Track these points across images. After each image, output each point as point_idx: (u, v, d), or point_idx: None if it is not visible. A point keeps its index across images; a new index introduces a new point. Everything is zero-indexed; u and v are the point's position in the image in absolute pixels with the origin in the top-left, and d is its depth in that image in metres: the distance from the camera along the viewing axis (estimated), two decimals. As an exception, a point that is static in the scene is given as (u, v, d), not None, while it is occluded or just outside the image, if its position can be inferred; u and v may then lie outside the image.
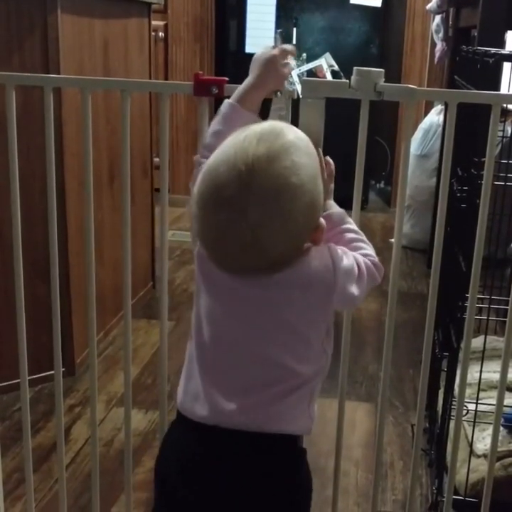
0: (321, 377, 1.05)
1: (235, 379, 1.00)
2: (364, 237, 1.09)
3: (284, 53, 1.12)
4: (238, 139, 0.90)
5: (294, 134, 0.93)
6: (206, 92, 1.18)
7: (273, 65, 1.10)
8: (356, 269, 1.01)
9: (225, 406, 0.99)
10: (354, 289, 1.00)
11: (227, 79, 1.18)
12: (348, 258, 1.00)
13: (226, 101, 1.10)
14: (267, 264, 0.92)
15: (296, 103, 1.16)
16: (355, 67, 1.14)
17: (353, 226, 1.10)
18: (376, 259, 1.07)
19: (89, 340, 1.32)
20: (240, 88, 1.11)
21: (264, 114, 1.08)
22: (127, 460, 1.38)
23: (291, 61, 1.13)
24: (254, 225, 0.87)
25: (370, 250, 1.07)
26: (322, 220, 0.95)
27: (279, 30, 1.27)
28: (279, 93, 1.15)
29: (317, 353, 1.02)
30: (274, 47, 1.13)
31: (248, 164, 0.86)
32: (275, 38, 1.16)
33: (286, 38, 4.24)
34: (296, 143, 0.91)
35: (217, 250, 0.92)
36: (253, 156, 0.87)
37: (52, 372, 1.40)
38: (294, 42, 4.27)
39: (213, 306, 1.00)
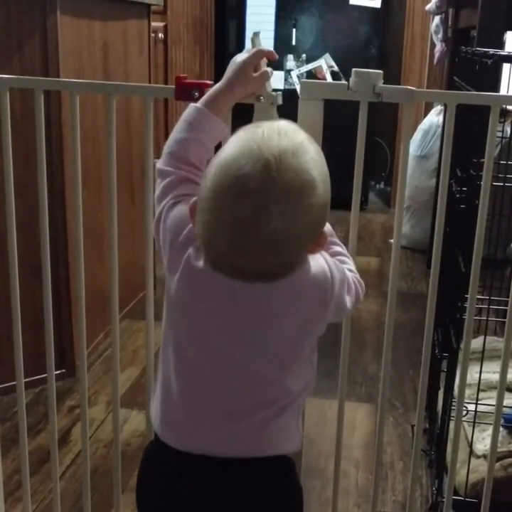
0: (308, 391, 1.03)
1: (224, 403, 0.96)
2: (348, 254, 1.10)
3: (260, 56, 1.06)
4: (256, 134, 0.86)
5: (305, 133, 0.91)
6: (188, 96, 1.14)
7: (242, 69, 1.05)
8: (346, 281, 1.01)
9: (214, 434, 0.96)
10: (347, 300, 1.00)
11: (210, 82, 1.13)
12: (340, 268, 1.00)
13: (191, 105, 1.04)
14: (277, 265, 0.87)
15: (294, 104, 1.15)
16: (353, 69, 1.13)
17: (339, 241, 1.10)
18: (358, 276, 1.07)
19: (80, 366, 1.32)
20: (209, 93, 1.05)
21: (247, 120, 0.99)
22: (116, 477, 1.38)
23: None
24: (280, 216, 0.82)
25: (353, 267, 1.07)
26: (325, 228, 0.93)
27: (255, 31, 1.19)
28: (261, 98, 1.09)
29: (305, 367, 1.01)
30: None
31: (275, 155, 0.83)
32: (251, 39, 1.09)
33: (286, 39, 4.26)
34: (311, 141, 0.90)
35: (234, 247, 0.84)
36: (279, 148, 0.83)
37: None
38: (294, 43, 4.28)
39: (204, 324, 0.95)
